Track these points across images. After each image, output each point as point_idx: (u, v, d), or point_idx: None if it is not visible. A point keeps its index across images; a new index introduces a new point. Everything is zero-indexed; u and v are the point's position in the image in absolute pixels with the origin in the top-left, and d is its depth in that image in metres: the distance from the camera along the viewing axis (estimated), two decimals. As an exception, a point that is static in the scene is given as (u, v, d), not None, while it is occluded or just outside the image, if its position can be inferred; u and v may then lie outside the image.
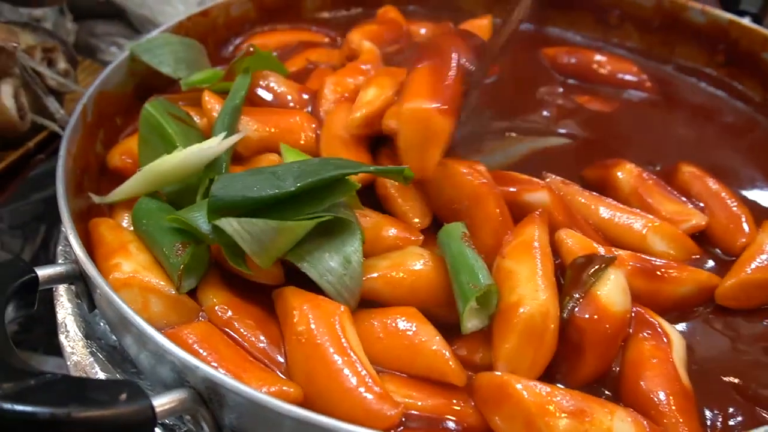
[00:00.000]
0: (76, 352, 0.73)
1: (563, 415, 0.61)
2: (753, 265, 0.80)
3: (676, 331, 0.74)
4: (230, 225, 0.68)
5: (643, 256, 0.80)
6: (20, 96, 0.97)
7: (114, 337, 0.76)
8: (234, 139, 0.82)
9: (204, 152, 0.80)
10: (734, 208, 0.89)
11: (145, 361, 0.68)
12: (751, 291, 0.80)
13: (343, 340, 0.67)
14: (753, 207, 0.91)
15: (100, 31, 1.42)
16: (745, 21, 1.17)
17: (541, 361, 0.68)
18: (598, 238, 0.83)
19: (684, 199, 0.91)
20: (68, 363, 0.73)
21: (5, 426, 0.52)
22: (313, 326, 0.68)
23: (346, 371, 0.64)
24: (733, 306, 0.80)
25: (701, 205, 0.90)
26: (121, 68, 0.99)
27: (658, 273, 0.79)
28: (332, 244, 0.73)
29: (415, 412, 0.66)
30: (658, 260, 0.80)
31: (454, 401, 0.68)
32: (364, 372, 0.65)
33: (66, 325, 0.76)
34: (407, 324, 0.70)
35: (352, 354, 0.66)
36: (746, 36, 1.13)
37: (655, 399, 0.68)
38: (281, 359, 0.70)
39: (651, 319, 0.74)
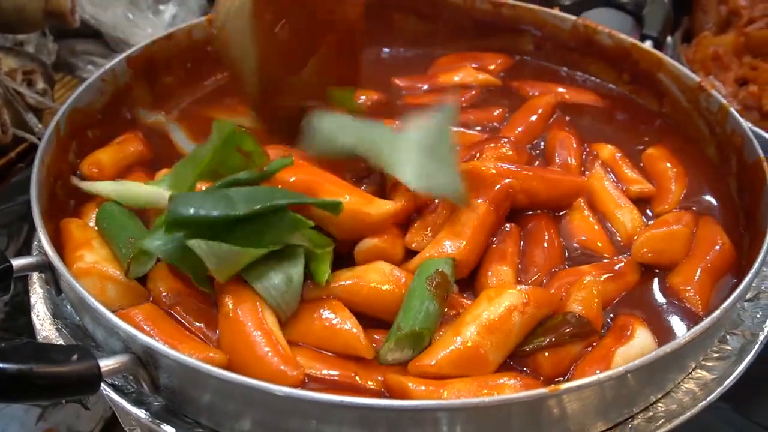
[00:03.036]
0: (45, 328, 0.88)
1: None
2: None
3: (648, 335, 0.85)
4: (200, 246, 0.80)
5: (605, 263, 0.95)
6: (3, 113, 1.12)
7: (78, 317, 0.91)
8: None
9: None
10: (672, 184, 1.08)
11: (99, 335, 0.84)
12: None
13: (262, 318, 0.82)
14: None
15: (79, 49, 1.57)
16: (647, 44, 1.32)
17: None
18: None
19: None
20: (38, 338, 0.87)
21: (-19, 379, 0.67)
22: (239, 307, 0.83)
23: (260, 341, 0.80)
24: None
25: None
26: (92, 88, 1.13)
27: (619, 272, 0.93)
28: (280, 265, 0.85)
29: (323, 376, 0.81)
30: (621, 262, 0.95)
31: (359, 373, 0.82)
32: (274, 342, 0.80)
33: (37, 307, 0.90)
34: (330, 313, 0.85)
35: (267, 328, 0.81)
36: (645, 58, 1.28)
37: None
38: (215, 338, 0.85)
39: (629, 322, 0.86)
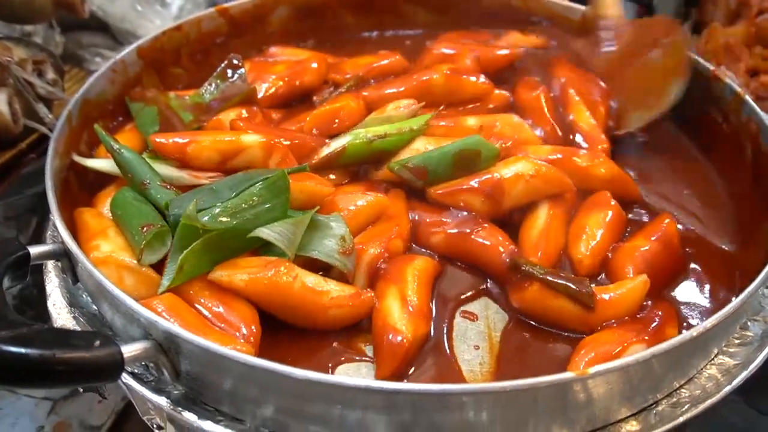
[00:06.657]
0: (62, 317, 0.87)
1: None
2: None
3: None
4: (264, 232, 0.84)
5: None
6: (14, 103, 1.11)
7: (94, 306, 0.90)
8: None
9: None
10: None
11: (118, 322, 0.83)
12: None
13: None
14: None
15: (86, 42, 1.56)
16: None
17: None
18: None
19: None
20: (55, 326, 0.87)
21: (4, 364, 0.66)
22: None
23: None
24: None
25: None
26: (102, 79, 1.13)
27: None
28: (326, 231, 0.89)
29: None
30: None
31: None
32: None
33: (53, 296, 0.90)
34: None
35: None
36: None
37: None
38: (235, 332, 0.84)
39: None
